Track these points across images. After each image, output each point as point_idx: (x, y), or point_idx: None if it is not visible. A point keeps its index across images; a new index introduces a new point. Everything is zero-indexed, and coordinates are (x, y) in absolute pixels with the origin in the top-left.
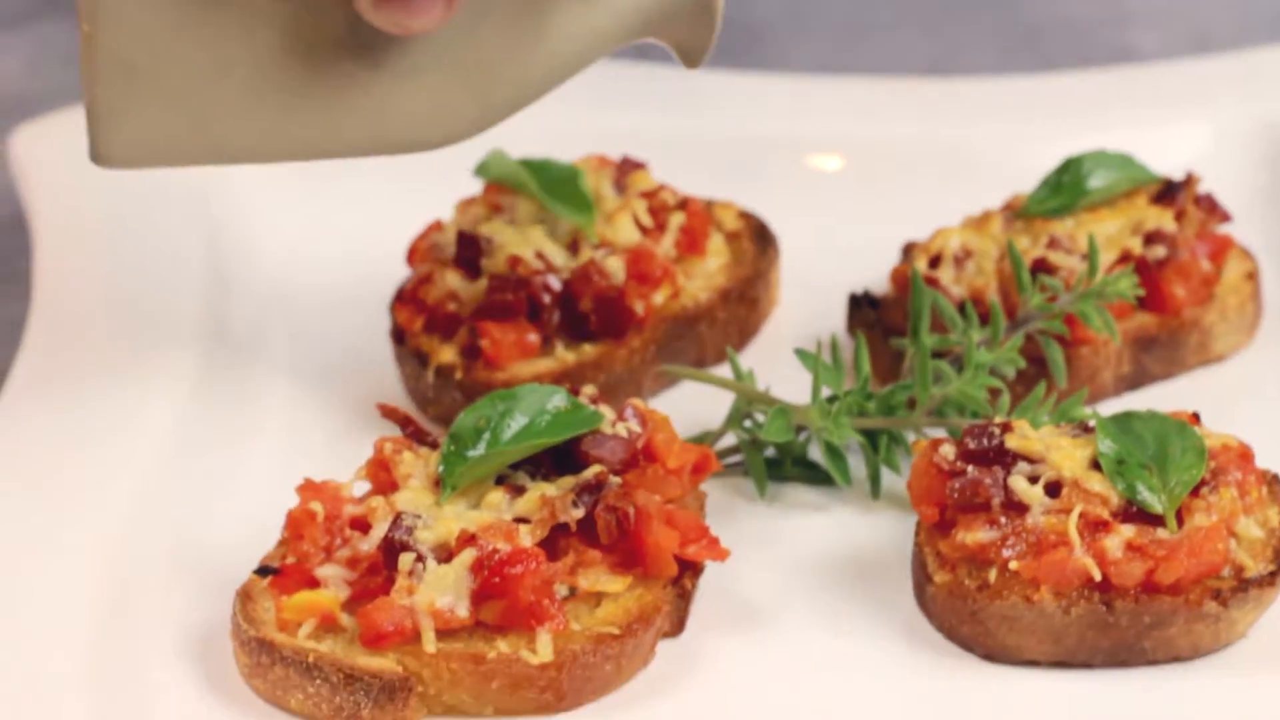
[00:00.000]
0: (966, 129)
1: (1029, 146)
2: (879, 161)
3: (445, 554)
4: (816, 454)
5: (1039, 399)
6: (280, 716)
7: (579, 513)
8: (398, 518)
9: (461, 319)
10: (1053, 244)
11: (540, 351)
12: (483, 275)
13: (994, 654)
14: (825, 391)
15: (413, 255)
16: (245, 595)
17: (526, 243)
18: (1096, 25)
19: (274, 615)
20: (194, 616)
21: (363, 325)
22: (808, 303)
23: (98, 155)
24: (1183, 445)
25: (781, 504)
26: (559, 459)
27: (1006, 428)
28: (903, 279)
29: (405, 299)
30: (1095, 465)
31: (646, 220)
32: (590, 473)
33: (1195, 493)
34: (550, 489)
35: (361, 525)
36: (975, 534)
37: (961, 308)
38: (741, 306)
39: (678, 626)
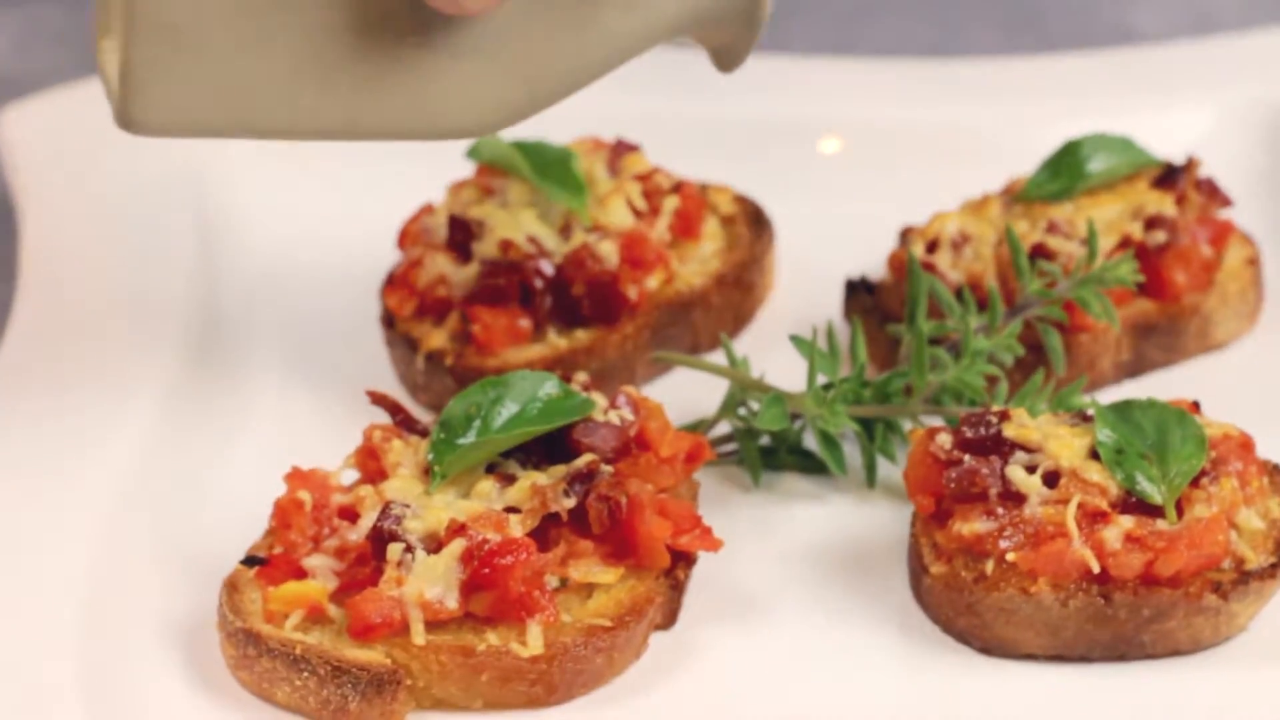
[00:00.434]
0: (965, 111)
1: (1028, 129)
2: (876, 145)
3: (434, 544)
4: (811, 442)
5: (1037, 387)
6: (267, 709)
7: (570, 502)
8: (386, 507)
9: (452, 304)
10: (1052, 228)
11: (532, 337)
12: (474, 259)
13: (991, 647)
14: (820, 379)
15: (403, 239)
16: (232, 586)
17: (518, 226)
18: (1098, 6)
19: (261, 606)
20: (180, 607)
21: (353, 309)
22: (803, 288)
23: (128, 120)
24: (1183, 435)
25: (776, 493)
26: (550, 447)
27: (1004, 416)
28: (900, 264)
29: (396, 283)
30: (1094, 455)
31: (640, 204)
32: (582, 461)
33: (1195, 483)
34: (541, 478)
35: (350, 515)
36: (972, 524)
37: (959, 293)
38: (736, 292)
39: (670, 618)
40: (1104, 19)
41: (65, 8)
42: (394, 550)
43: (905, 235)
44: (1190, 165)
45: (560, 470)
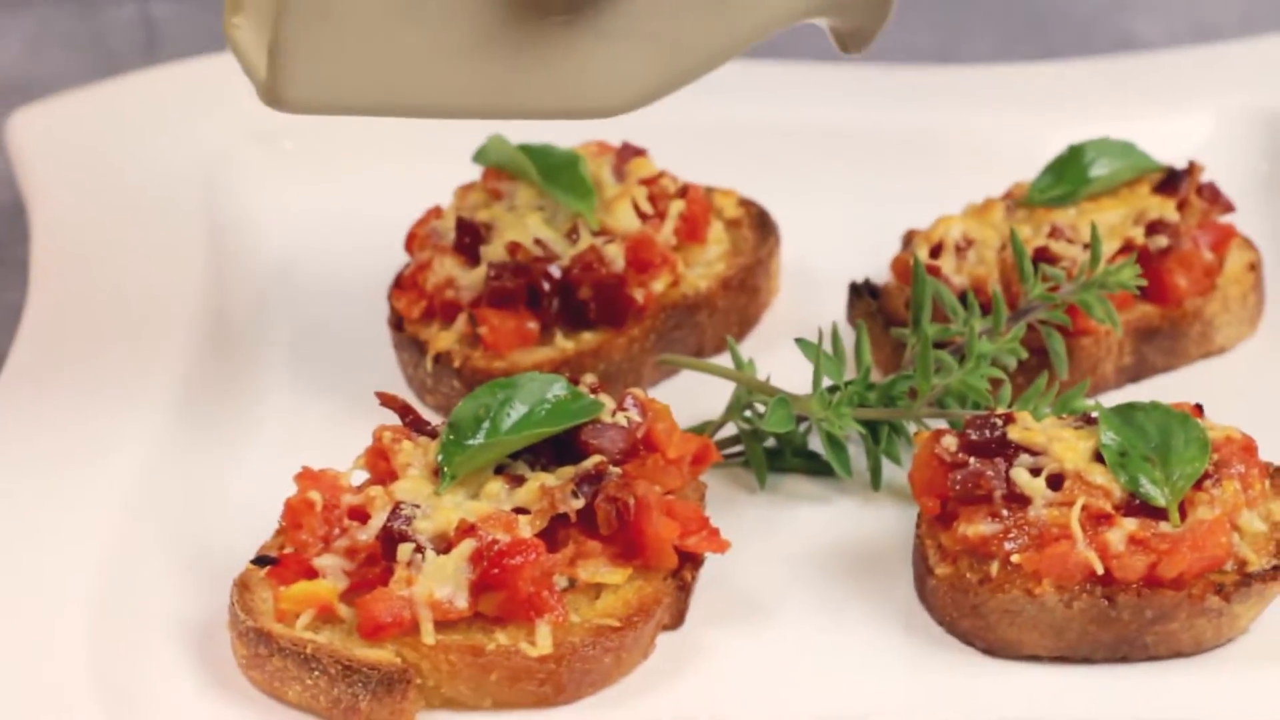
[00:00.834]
0: (968, 117)
1: (1031, 135)
2: (880, 149)
3: (444, 544)
4: (817, 445)
5: (1040, 390)
6: (278, 708)
7: (579, 503)
8: (396, 507)
9: (460, 306)
10: (1055, 233)
11: (539, 340)
12: (482, 262)
13: (995, 648)
14: (825, 381)
15: (411, 241)
16: (243, 585)
17: (526, 229)
18: (1098, 13)
19: (272, 606)
20: (191, 607)
21: (361, 312)
22: (807, 291)
23: (275, 96)
24: (1186, 437)
25: (782, 495)
26: (559, 448)
27: (1009, 419)
28: (903, 268)
29: (404, 286)
30: (1098, 458)
31: (646, 207)
32: (590, 463)
33: (1198, 486)
34: (550, 479)
35: (360, 515)
36: (977, 526)
37: (963, 297)
38: (742, 295)
39: (678, 619)
40: (1104, 26)
41: (75, 12)
42: (404, 550)
43: (909, 239)
44: (1192, 170)
45: (569, 471)
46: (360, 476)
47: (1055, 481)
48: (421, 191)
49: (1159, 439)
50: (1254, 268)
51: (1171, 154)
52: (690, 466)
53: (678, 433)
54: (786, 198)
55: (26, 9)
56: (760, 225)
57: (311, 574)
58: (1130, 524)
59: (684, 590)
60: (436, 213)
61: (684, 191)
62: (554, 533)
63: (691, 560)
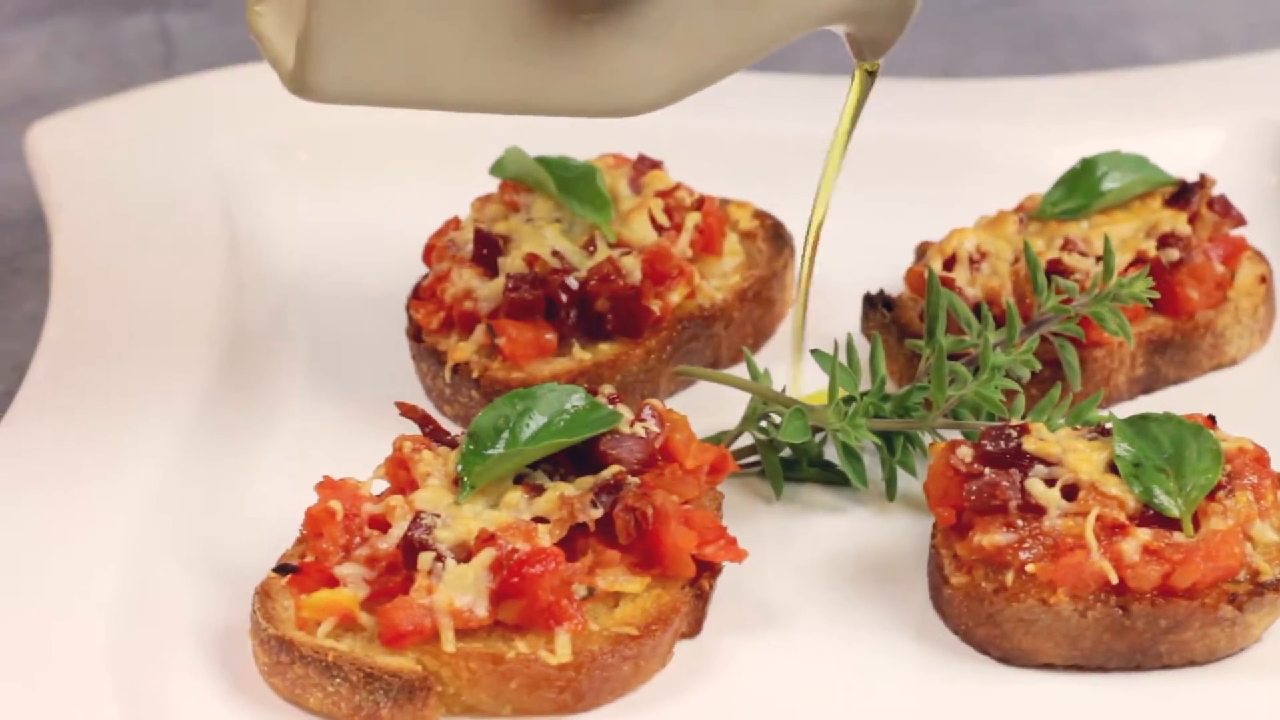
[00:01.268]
0: (981, 130)
1: (1043, 148)
2: (893, 162)
3: (464, 553)
4: (833, 455)
5: (1054, 401)
6: (299, 715)
7: (597, 513)
8: (417, 517)
9: (479, 317)
10: (1067, 246)
11: (557, 351)
12: (500, 273)
13: (1010, 656)
14: (841, 393)
15: (429, 253)
16: (264, 593)
17: (543, 241)
18: (1106, 26)
19: (293, 614)
20: (213, 614)
21: (380, 323)
22: (822, 303)
23: (304, 86)
24: (1199, 448)
25: (798, 505)
26: (577, 459)
27: (1024, 430)
28: (917, 280)
29: (422, 297)
30: (1112, 468)
31: (663, 219)
32: (609, 473)
33: (1211, 496)
34: (569, 489)
35: (380, 524)
36: (992, 536)
37: (976, 309)
38: (757, 306)
39: (695, 627)
40: (1112, 41)
41: (90, 23)
42: (425, 559)
43: (922, 251)
44: (1204, 183)
45: (587, 481)
46: (380, 486)
47: (1070, 492)
48: (438, 203)
49: (1172, 450)
50: (1265, 280)
51: (1182, 167)
52: (707, 476)
53: (695, 443)
54: (801, 210)
55: (42, 22)
56: (775, 237)
57: (333, 582)
58: (1144, 534)
59: (702, 599)
60: (454, 224)
61: (700, 204)
62: (573, 542)
63: (709, 569)
